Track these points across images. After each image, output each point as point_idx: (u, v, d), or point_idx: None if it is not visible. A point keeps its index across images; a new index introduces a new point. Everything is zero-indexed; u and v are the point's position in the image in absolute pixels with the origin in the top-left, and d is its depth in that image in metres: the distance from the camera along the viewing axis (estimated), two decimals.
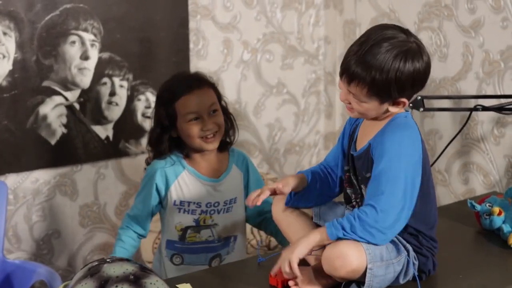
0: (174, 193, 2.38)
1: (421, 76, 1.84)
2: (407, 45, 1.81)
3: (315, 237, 1.82)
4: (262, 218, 2.48)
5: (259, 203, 1.98)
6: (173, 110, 2.34)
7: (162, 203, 2.41)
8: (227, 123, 2.43)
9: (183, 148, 2.39)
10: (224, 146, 2.45)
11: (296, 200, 2.06)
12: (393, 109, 1.86)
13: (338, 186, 2.07)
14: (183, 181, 2.38)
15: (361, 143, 1.93)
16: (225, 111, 2.43)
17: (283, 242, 2.37)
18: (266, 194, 1.99)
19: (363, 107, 1.85)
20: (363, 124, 1.97)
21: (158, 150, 2.39)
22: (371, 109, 1.86)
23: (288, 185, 2.01)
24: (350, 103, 1.87)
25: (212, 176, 2.40)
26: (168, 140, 2.38)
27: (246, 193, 2.45)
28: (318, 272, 1.88)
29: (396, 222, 1.79)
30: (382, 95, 1.82)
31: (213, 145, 2.35)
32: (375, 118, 1.90)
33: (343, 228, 1.78)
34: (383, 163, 1.81)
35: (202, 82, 2.39)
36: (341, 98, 1.89)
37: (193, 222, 2.39)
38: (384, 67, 1.78)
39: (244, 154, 2.52)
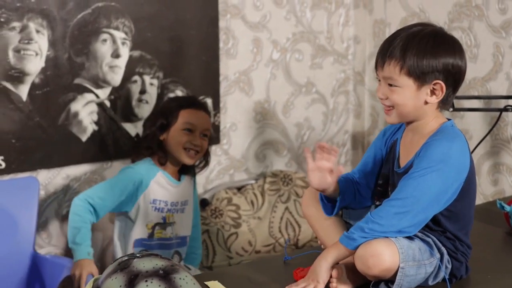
0: (151, 193, 2.62)
1: (456, 47, 1.84)
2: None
3: (333, 254, 1.82)
4: None
5: (340, 172, 1.89)
6: (176, 115, 2.65)
7: (129, 204, 2.62)
8: (207, 152, 2.72)
9: (160, 155, 2.64)
10: (191, 170, 2.77)
11: (338, 208, 2.02)
12: (431, 100, 1.82)
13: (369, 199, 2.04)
14: (157, 182, 2.66)
15: (406, 159, 1.90)
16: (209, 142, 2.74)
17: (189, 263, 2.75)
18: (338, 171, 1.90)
19: (400, 96, 1.82)
20: (404, 140, 1.94)
21: (145, 142, 2.66)
22: (408, 99, 1.82)
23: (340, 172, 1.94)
24: (387, 98, 1.84)
25: (175, 178, 2.72)
26: (155, 139, 2.63)
27: (196, 197, 2.83)
28: (350, 269, 1.87)
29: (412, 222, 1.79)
30: (417, 73, 1.80)
31: (192, 161, 2.66)
32: (418, 128, 1.87)
33: (362, 230, 1.78)
34: (420, 168, 1.79)
35: (207, 110, 2.75)
36: (378, 94, 1.87)
37: (161, 220, 2.70)
38: (416, 38, 1.81)
39: None
